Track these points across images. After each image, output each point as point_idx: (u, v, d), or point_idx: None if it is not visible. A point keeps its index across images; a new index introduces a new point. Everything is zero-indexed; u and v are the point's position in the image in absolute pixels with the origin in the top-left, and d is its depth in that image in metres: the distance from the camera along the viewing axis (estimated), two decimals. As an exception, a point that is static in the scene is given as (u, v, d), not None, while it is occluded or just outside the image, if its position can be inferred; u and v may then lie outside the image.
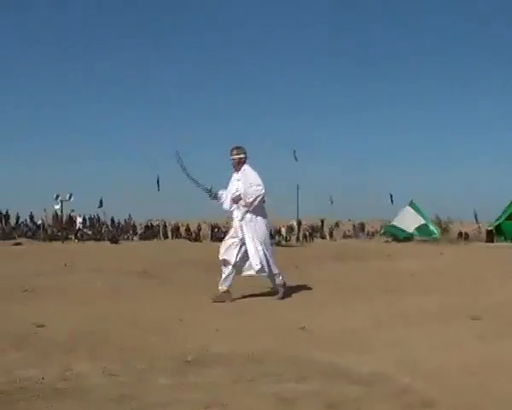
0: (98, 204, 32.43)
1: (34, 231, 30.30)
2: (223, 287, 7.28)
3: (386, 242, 27.93)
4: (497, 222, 25.16)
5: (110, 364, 3.80)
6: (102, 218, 33.36)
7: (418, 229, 28.62)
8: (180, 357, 3.98)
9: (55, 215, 31.91)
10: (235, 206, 7.60)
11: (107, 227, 32.72)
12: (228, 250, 7.40)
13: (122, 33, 58.84)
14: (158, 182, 30.72)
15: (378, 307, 6.07)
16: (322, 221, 38.12)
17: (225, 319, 5.62)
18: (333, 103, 65.41)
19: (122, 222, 34.27)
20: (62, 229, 30.79)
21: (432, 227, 29.75)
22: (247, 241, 7.37)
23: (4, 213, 31.94)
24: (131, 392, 3.27)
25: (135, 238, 31.78)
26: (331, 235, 36.43)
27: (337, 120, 66.44)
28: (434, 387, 3.24)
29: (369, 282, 8.69)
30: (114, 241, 27.56)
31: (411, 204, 30.08)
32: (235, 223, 7.53)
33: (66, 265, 11.90)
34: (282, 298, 7.28)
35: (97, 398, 3.17)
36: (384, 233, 31.82)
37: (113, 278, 9.23)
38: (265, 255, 7.34)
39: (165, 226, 33.39)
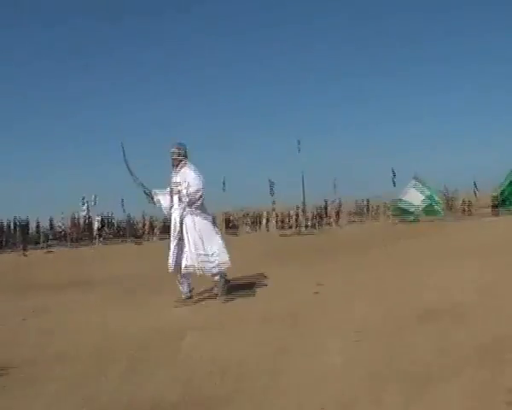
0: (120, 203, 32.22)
1: (58, 237, 30.97)
2: (184, 294, 7.62)
3: (394, 223, 28.58)
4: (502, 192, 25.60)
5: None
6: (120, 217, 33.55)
7: (424, 208, 29.38)
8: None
9: (75, 220, 32.51)
10: (175, 205, 7.61)
11: (127, 226, 33.16)
12: (173, 257, 7.52)
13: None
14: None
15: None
16: (326, 205, 35.14)
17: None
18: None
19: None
20: (83, 233, 31.50)
21: (437, 206, 30.27)
22: (185, 241, 7.48)
23: (24, 222, 32.37)
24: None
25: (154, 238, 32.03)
26: (338, 217, 33.98)
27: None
28: None
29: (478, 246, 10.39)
30: (139, 242, 27.59)
31: (415, 180, 29.50)
32: (175, 224, 7.58)
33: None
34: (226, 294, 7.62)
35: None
36: (394, 214, 31.40)
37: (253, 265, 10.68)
38: (200, 255, 7.46)
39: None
